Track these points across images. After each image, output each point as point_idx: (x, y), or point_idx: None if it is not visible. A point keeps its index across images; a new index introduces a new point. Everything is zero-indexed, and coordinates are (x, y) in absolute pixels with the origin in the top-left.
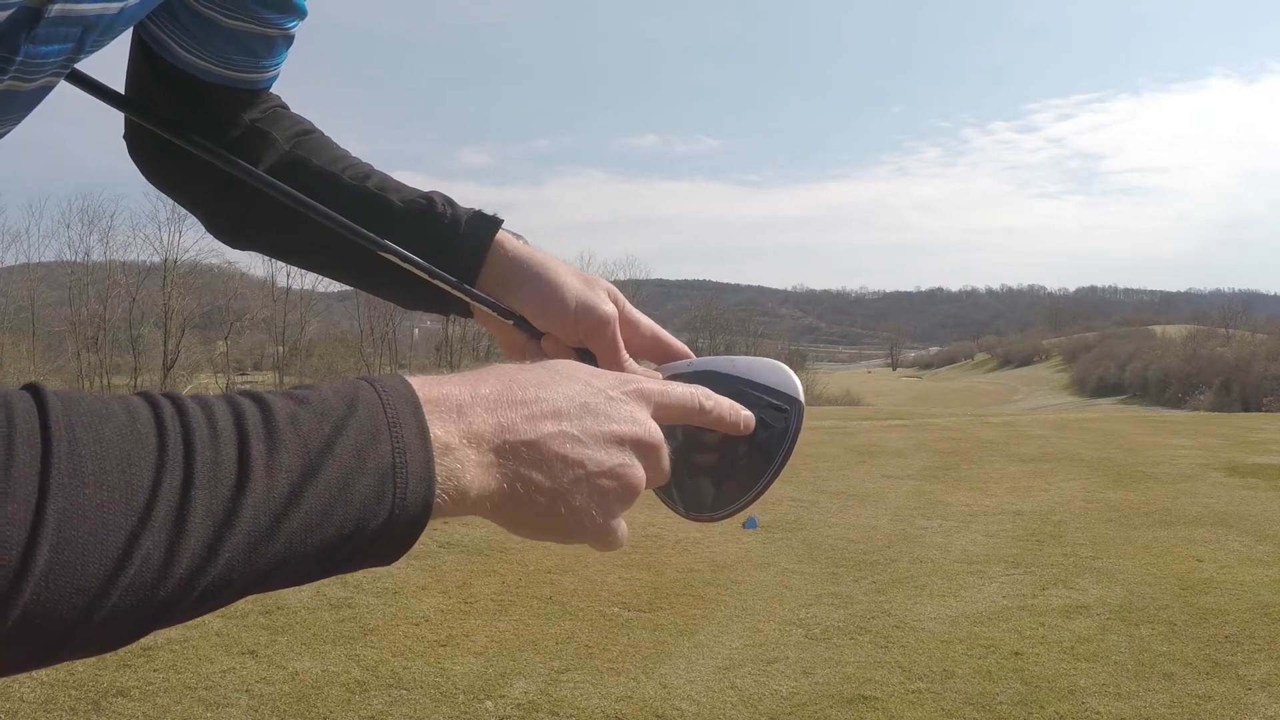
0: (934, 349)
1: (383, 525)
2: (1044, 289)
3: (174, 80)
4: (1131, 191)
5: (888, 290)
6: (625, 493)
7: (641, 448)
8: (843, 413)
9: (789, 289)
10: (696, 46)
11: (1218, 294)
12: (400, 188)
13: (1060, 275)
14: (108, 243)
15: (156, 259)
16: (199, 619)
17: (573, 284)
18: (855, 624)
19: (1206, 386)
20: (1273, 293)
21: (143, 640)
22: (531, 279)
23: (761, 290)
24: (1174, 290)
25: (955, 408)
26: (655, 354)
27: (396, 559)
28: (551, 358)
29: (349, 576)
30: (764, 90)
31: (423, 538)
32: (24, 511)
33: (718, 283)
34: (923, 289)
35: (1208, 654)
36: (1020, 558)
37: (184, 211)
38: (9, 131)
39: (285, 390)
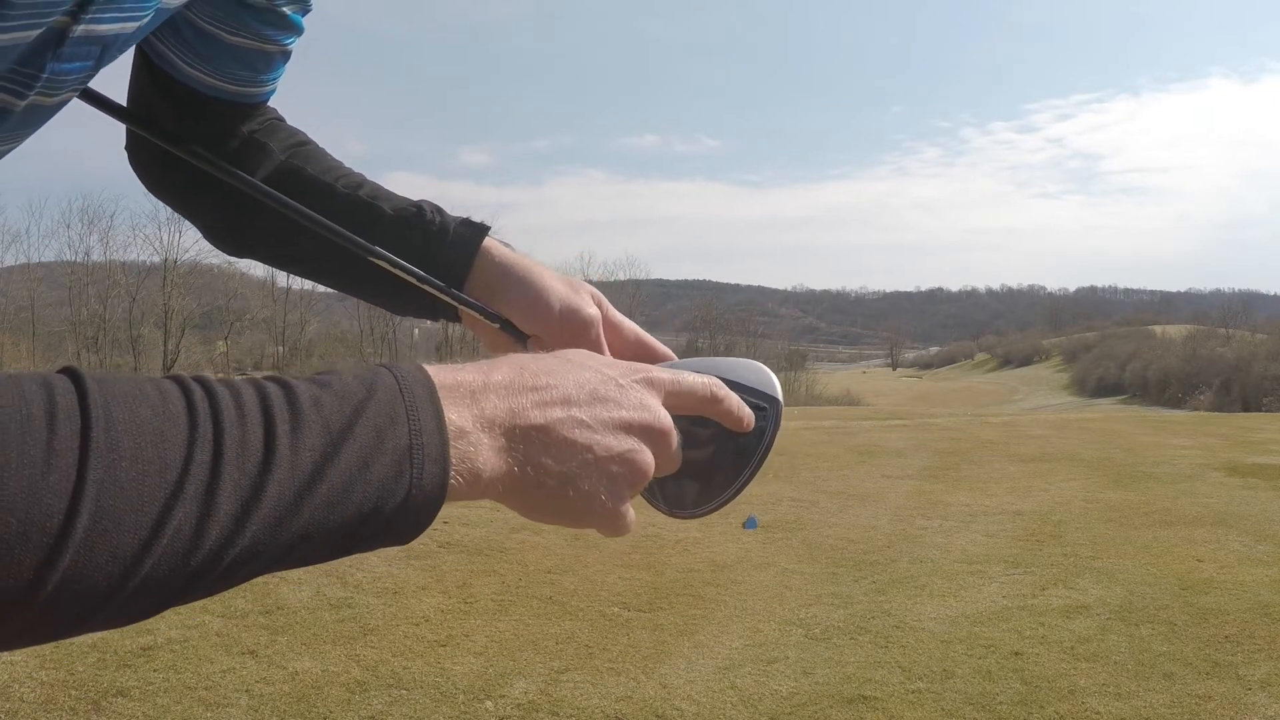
0: (934, 349)
1: (400, 505)
2: (1044, 289)
3: (177, 94)
4: (1131, 191)
5: (888, 290)
6: (634, 477)
7: (650, 434)
8: (843, 413)
9: (789, 289)
10: (696, 46)
11: (1218, 294)
12: (391, 196)
13: (1060, 275)
14: (108, 243)
15: (156, 259)
16: (198, 620)
17: (557, 288)
18: (855, 624)
19: (1206, 386)
20: (1273, 293)
21: (142, 640)
22: (517, 283)
23: (761, 290)
24: (1174, 290)
25: (955, 408)
26: (639, 356)
27: (414, 538)
28: None
29: (349, 577)
30: (764, 90)
31: (423, 537)
32: (64, 482)
33: (718, 283)
34: (923, 289)
35: (1208, 654)
36: (1020, 558)
37: None
38: (23, 142)
39: (308, 376)
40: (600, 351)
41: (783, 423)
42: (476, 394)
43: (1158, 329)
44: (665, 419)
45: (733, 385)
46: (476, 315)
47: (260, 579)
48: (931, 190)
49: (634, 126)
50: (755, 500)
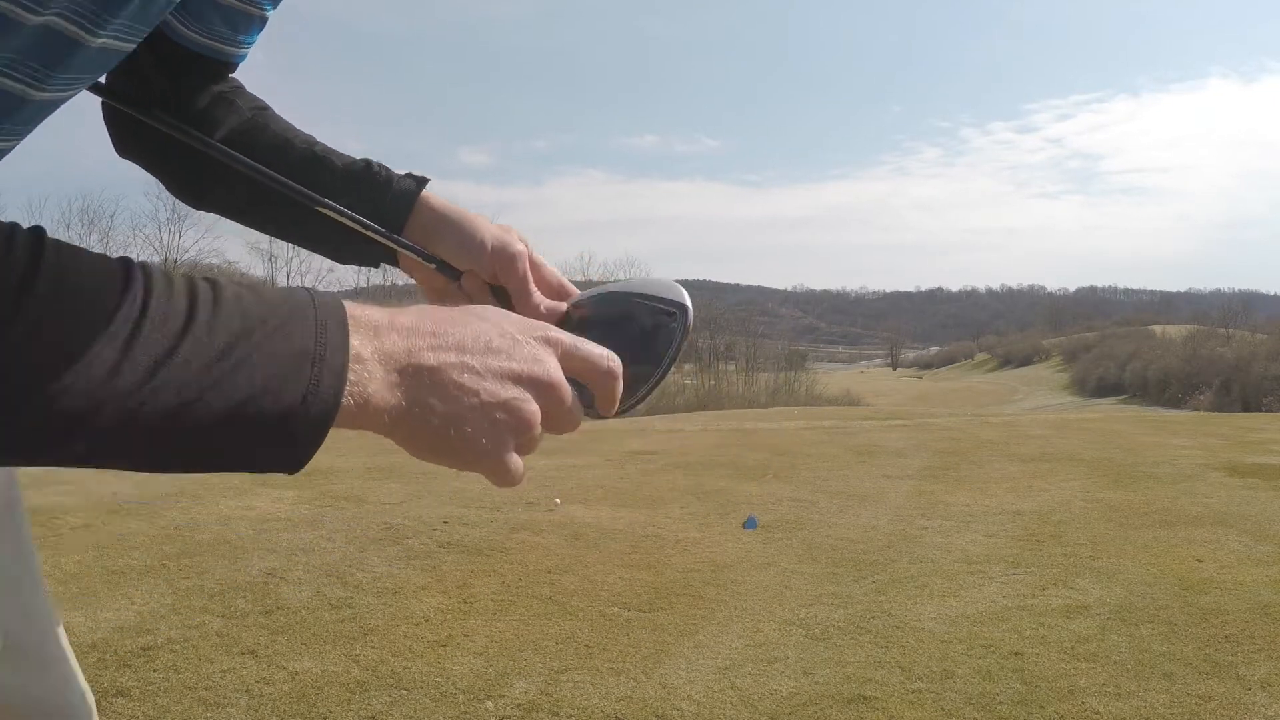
0: (934, 349)
1: (297, 405)
2: (1044, 289)
3: (166, 51)
4: (1131, 191)
5: (888, 290)
6: (518, 425)
7: (539, 386)
8: (843, 413)
9: (789, 289)
10: (696, 44)
11: (1218, 294)
12: (341, 154)
13: (1060, 275)
14: (108, 243)
15: (156, 259)
16: (198, 620)
17: (489, 226)
18: (855, 624)
19: (1206, 386)
20: (1273, 293)
21: (142, 640)
22: (453, 225)
23: (761, 290)
24: (1174, 290)
25: (955, 408)
26: (557, 294)
27: (301, 461)
28: (472, 298)
29: (349, 577)
30: (763, 89)
31: (423, 537)
32: (9, 286)
33: (718, 283)
34: (923, 289)
35: (1208, 654)
36: (1020, 558)
37: (184, 211)
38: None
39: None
40: (527, 283)
41: (783, 422)
42: (380, 330)
43: (1158, 329)
44: (555, 374)
45: (644, 298)
46: (414, 257)
47: (261, 580)
48: (931, 190)
49: (634, 126)
50: (755, 500)
